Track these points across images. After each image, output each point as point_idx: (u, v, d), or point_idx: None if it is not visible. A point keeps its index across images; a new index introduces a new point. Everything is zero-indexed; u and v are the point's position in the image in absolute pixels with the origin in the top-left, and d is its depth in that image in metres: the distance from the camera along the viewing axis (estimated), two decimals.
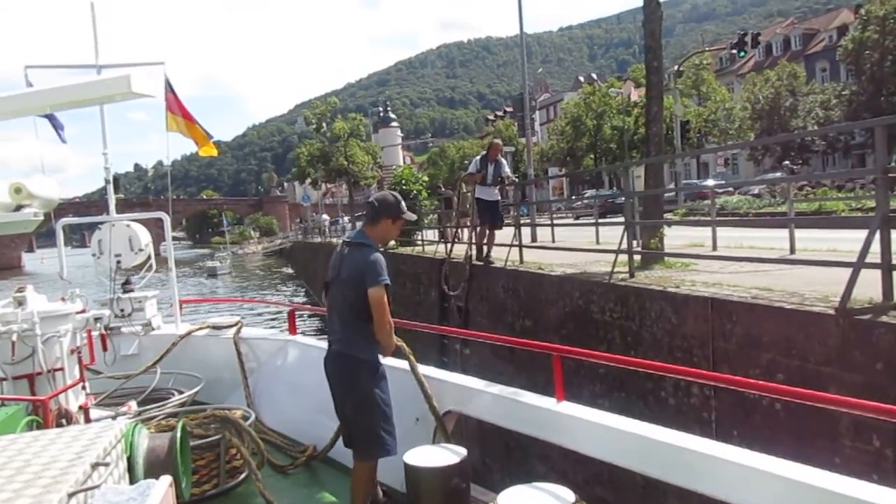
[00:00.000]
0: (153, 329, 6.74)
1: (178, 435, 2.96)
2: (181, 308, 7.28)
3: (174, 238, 8.90)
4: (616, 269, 7.27)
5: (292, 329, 6.49)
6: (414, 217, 4.22)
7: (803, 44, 57.44)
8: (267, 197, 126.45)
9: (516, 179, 11.14)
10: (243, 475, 4.54)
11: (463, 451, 3.60)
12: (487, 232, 10.68)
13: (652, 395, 5.99)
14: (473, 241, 11.00)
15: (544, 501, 2.94)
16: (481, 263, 10.59)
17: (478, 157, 10.64)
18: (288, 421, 5.54)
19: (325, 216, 51.79)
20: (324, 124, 47.77)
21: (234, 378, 6.20)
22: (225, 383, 6.27)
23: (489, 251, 10.71)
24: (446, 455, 3.58)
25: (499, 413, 4.00)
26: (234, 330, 6.62)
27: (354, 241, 3.80)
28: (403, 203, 3.97)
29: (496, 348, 9.15)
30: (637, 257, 7.62)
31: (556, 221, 14.50)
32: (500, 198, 10.79)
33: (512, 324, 9.13)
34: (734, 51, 31.74)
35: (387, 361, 3.88)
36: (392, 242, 18.61)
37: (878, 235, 4.38)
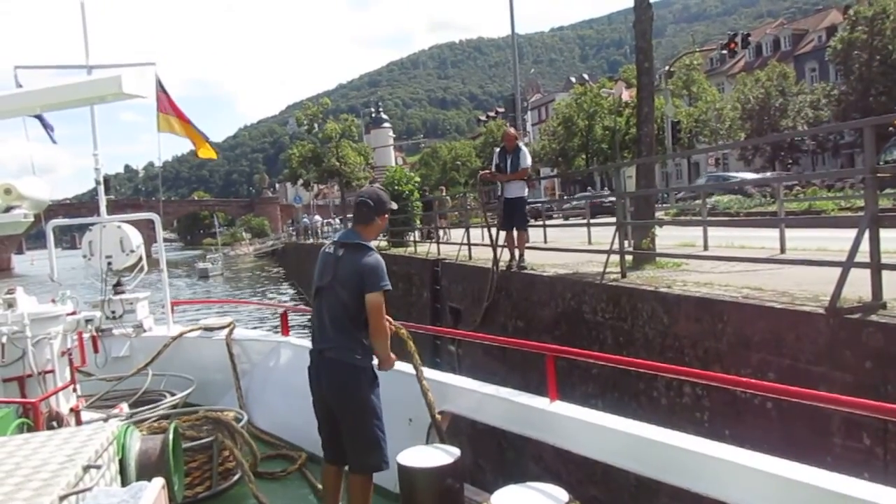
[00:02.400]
0: (145, 331, 6.72)
1: (171, 437, 2.96)
2: (173, 309, 7.25)
3: (165, 239, 8.85)
4: (608, 270, 7.30)
5: (285, 330, 6.48)
6: (395, 206, 4.12)
7: (793, 44, 57.77)
8: (258, 198, 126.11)
9: (530, 172, 9.81)
10: (236, 477, 4.53)
11: (457, 452, 3.60)
12: (515, 234, 9.32)
13: (644, 394, 6.01)
14: (499, 244, 9.58)
15: (538, 501, 2.94)
16: (514, 270, 9.15)
17: (497, 150, 9.50)
18: (281, 423, 5.53)
19: (317, 217, 51.69)
20: (315, 125, 47.72)
21: (227, 380, 6.19)
22: (217, 385, 6.25)
23: (521, 255, 9.30)
24: (440, 455, 3.58)
25: (492, 413, 4.01)
26: (226, 331, 6.60)
27: (350, 243, 3.62)
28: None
29: (489, 349, 9.15)
30: (629, 257, 7.64)
31: (547, 222, 14.57)
32: (525, 193, 9.35)
33: (504, 324, 9.14)
34: (724, 51, 31.90)
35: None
36: (384, 243, 18.68)
37: (867, 235, 4.41)
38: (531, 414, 3.66)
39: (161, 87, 7.11)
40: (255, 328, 12.92)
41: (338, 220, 44.84)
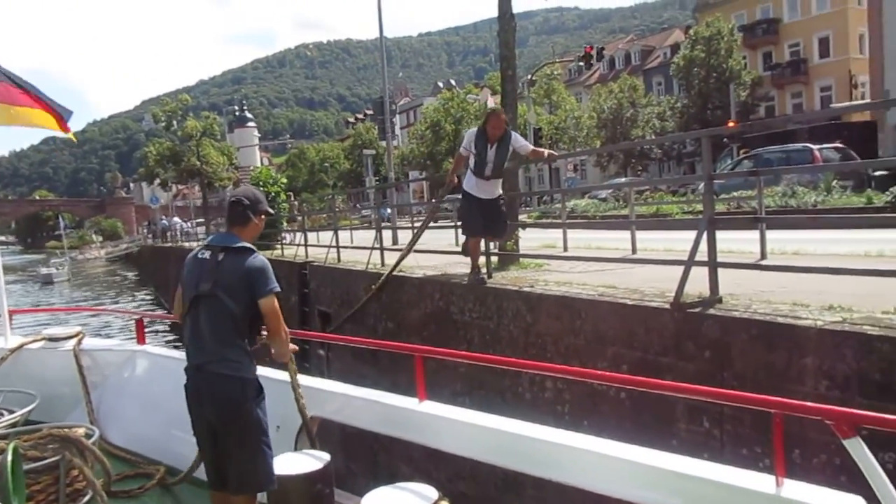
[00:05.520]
0: None
1: (10, 458, 2.71)
2: (11, 319, 6.63)
3: (1, 242, 8.07)
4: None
5: (141, 339, 6.10)
6: (272, 212, 3.92)
7: (642, 59, 62.02)
8: (111, 198, 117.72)
9: (549, 151, 7.75)
10: (87, 498, 4.21)
11: (326, 457, 3.56)
12: (483, 242, 7.36)
13: (510, 390, 6.22)
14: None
15: (408, 501, 2.98)
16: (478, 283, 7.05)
17: (473, 131, 6.99)
18: (139, 438, 5.21)
19: (176, 219, 49.12)
20: (174, 122, 45.35)
21: (76, 394, 5.74)
22: (64, 400, 5.78)
23: (487, 266, 7.55)
24: (309, 461, 3.53)
25: (361, 416, 4.00)
26: (73, 342, 6.11)
27: (231, 246, 3.33)
28: None
29: (359, 352, 9.11)
30: (494, 258, 7.89)
31: (416, 224, 14.73)
32: (500, 193, 7.16)
33: (374, 326, 9.14)
34: (581, 63, 33.67)
35: None
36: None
37: (705, 236, 4.82)
38: (400, 415, 3.69)
39: None
40: (107, 337, 12.06)
41: (184, 223, 42.75)
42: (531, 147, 7.11)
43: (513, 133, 6.84)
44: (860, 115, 31.75)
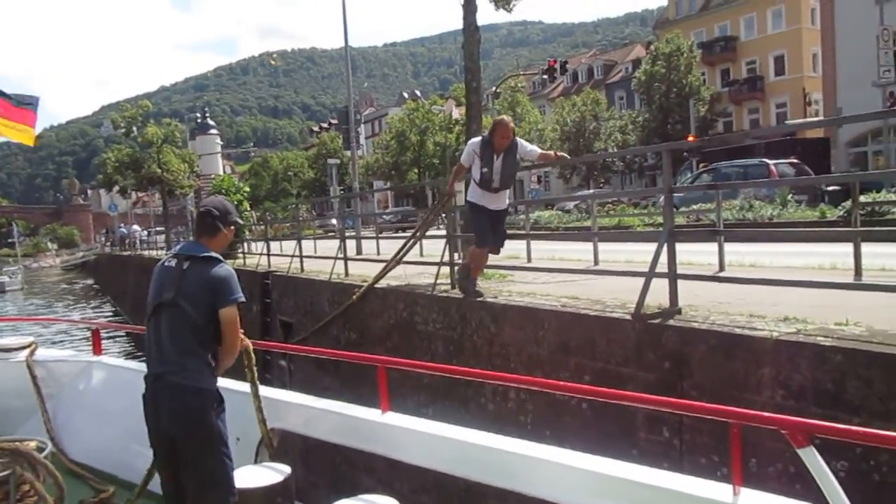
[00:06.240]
0: None
1: None
2: None
3: None
4: (438, 281, 7.49)
5: (97, 349, 5.96)
6: (242, 223, 3.90)
7: (604, 73, 63.06)
8: (68, 205, 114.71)
9: (562, 154, 7.89)
10: None
11: (287, 470, 3.52)
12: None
13: (473, 401, 6.22)
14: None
15: None
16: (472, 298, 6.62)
17: (478, 140, 6.41)
18: (95, 451, 5.08)
19: (135, 227, 48.12)
20: (134, 128, 44.32)
21: (29, 406, 5.58)
22: (17, 412, 5.61)
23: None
24: (269, 475, 3.48)
25: (323, 428, 3.96)
26: (26, 352, 5.94)
27: (197, 255, 3.32)
28: None
29: (322, 362, 9.02)
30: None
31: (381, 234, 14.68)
32: (508, 203, 6.85)
33: (337, 337, 9.06)
34: (545, 76, 34.10)
35: None
36: None
37: (665, 248, 4.90)
38: (363, 426, 3.67)
39: None
40: (62, 348, 11.74)
41: (143, 231, 41.95)
42: (539, 151, 6.73)
43: (518, 140, 6.40)
44: (814, 131, 32.77)
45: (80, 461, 5.06)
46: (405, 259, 8.30)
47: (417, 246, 11.70)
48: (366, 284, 8.49)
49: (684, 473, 2.78)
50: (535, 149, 6.63)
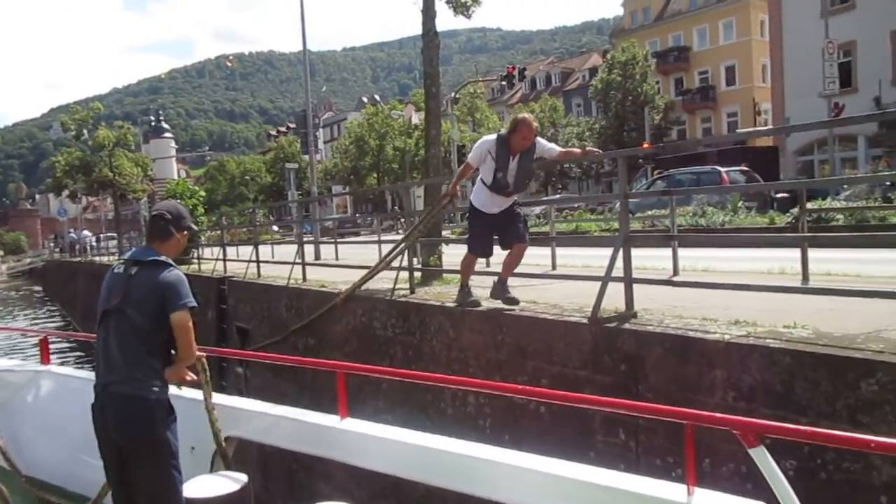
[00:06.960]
0: None
1: None
2: None
3: None
4: (397, 286, 7.46)
5: (45, 358, 5.77)
6: (196, 228, 3.82)
7: (562, 80, 63.89)
8: (14, 210, 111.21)
9: (590, 148, 7.28)
10: None
11: (244, 478, 3.46)
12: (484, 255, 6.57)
13: (432, 406, 6.21)
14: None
15: None
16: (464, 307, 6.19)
17: (492, 139, 5.75)
18: (44, 464, 4.92)
19: (86, 232, 46.83)
20: (85, 131, 43.18)
21: None
22: None
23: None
24: (226, 484, 3.42)
25: (281, 435, 3.91)
26: None
27: (146, 260, 3.25)
28: None
29: (279, 369, 8.91)
30: (417, 274, 7.89)
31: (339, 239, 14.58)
32: (514, 203, 6.09)
33: (295, 343, 8.96)
34: (504, 82, 34.38)
35: None
36: None
37: (621, 252, 4.98)
38: (321, 432, 3.63)
39: None
40: (8, 357, 11.37)
41: (90, 235, 40.91)
42: (559, 149, 6.14)
43: (538, 139, 5.82)
44: (764, 140, 33.72)
45: (29, 474, 4.89)
46: (365, 264, 8.25)
47: (376, 250, 11.66)
48: (347, 288, 8.42)
49: (640, 474, 2.83)
50: (553, 147, 6.10)
